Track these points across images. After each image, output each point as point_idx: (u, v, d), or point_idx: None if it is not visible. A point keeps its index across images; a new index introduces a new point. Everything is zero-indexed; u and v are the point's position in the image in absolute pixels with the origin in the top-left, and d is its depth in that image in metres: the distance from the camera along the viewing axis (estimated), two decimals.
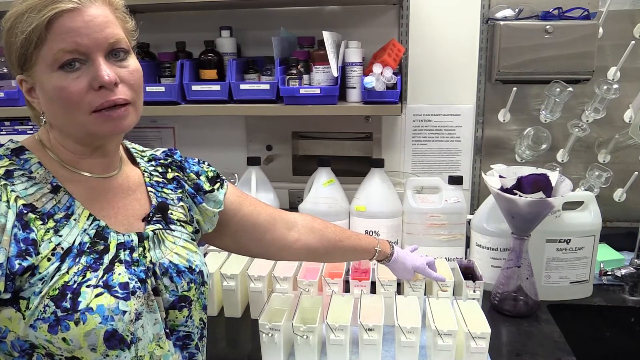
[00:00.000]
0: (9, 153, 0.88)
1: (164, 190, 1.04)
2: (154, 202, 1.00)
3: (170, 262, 0.95)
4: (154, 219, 0.98)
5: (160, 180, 1.05)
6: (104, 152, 0.94)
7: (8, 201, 0.81)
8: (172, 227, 1.01)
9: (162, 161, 1.08)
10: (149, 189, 1.02)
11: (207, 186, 1.11)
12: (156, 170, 1.06)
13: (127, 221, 0.95)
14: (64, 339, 0.80)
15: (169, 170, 1.08)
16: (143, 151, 1.09)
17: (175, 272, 0.95)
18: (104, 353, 0.83)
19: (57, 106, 0.85)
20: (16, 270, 0.79)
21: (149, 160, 1.07)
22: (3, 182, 0.82)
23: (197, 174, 1.11)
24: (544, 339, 1.42)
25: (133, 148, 1.08)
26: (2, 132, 1.82)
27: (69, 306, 0.80)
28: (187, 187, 1.08)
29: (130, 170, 1.02)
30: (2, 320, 0.81)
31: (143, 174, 1.03)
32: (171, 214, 1.02)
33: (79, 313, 0.80)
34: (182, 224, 1.04)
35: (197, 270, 0.99)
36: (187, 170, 1.10)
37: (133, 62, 0.90)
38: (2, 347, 0.82)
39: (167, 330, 0.93)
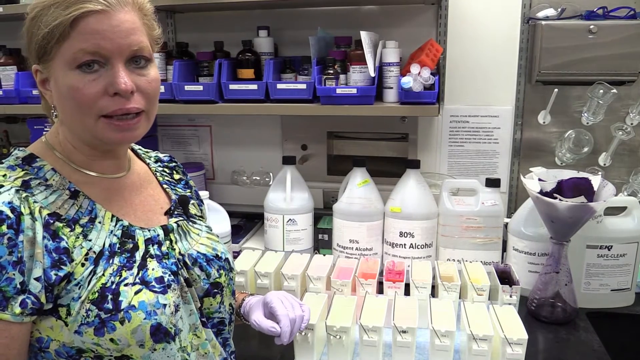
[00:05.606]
0: (21, 162, 0.86)
1: (176, 188, 1.08)
2: (173, 196, 1.04)
3: (198, 252, 0.98)
4: (175, 212, 1.01)
5: (170, 180, 1.08)
6: (113, 155, 0.95)
7: (32, 213, 0.79)
8: (193, 219, 1.05)
9: (167, 164, 1.12)
10: (164, 186, 1.05)
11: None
12: (164, 170, 1.09)
13: (146, 216, 0.96)
14: (111, 340, 0.81)
15: (174, 172, 1.12)
16: (147, 152, 1.11)
17: (205, 261, 0.98)
18: (151, 347, 0.84)
19: (69, 105, 0.84)
20: (53, 281, 0.79)
21: (156, 161, 1.10)
22: (24, 193, 0.80)
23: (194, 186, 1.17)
24: (582, 348, 1.39)
25: (140, 149, 1.10)
26: None
27: (111, 307, 0.81)
28: (193, 189, 1.14)
29: (139, 167, 1.03)
30: (44, 329, 0.81)
31: (155, 174, 1.06)
32: (188, 209, 1.05)
33: (122, 312, 0.81)
34: (199, 218, 1.08)
35: (224, 257, 1.03)
36: (187, 177, 1.16)
37: (153, 71, 0.88)
38: (46, 357, 0.83)
39: (204, 319, 0.96)
